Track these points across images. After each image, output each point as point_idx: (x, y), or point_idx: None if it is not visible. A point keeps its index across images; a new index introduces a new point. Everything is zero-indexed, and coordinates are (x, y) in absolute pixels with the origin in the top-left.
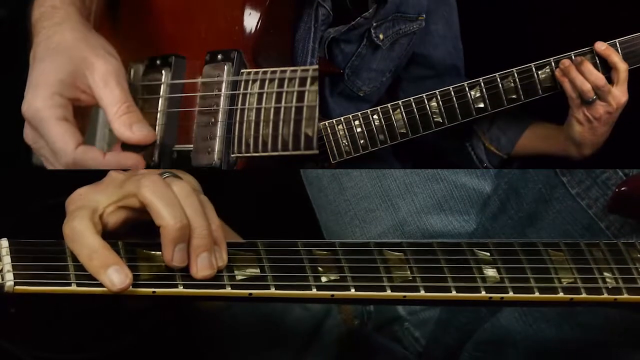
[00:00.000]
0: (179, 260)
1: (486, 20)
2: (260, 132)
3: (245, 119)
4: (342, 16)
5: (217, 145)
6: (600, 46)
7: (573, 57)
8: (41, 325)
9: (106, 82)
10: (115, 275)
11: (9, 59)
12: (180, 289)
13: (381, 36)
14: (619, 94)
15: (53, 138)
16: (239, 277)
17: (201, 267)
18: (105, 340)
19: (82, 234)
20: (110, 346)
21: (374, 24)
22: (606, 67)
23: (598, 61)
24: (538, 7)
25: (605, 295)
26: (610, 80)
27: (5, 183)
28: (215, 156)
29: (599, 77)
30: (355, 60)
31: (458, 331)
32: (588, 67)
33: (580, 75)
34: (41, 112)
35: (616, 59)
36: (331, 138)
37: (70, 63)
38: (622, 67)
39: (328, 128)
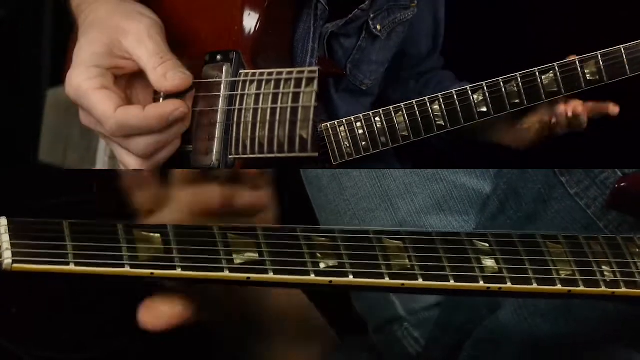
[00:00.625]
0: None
1: (489, 23)
2: (257, 133)
3: (242, 120)
4: (338, 11)
5: (215, 146)
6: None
7: (577, 62)
8: (41, 324)
9: (140, 40)
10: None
11: (9, 59)
12: (179, 271)
13: (379, 27)
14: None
15: (93, 107)
16: (237, 261)
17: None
18: (106, 339)
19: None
20: (111, 345)
21: (371, 15)
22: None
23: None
24: (541, 9)
25: (603, 289)
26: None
27: (6, 183)
28: (214, 157)
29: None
30: (356, 54)
31: (458, 331)
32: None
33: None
34: (80, 87)
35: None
36: (332, 139)
37: (102, 34)
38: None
39: (330, 129)
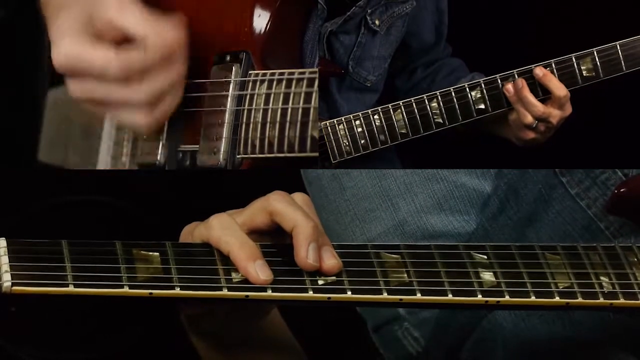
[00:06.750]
0: (313, 257)
1: (486, 21)
2: (267, 133)
3: (252, 120)
4: (335, 9)
5: (222, 145)
6: (539, 72)
7: (574, 58)
8: (41, 325)
9: (121, 7)
10: (261, 269)
11: (8, 59)
12: (177, 291)
13: (377, 22)
14: (561, 112)
15: (91, 59)
16: (235, 280)
17: (327, 258)
18: (105, 339)
19: (234, 225)
20: (110, 345)
21: (369, 11)
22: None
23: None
24: (539, 6)
25: (602, 300)
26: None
27: (6, 183)
28: (221, 157)
29: (538, 109)
30: (357, 51)
31: (458, 331)
32: (528, 98)
33: (522, 106)
34: (71, 51)
35: (554, 85)
36: (332, 138)
37: (82, 7)
38: (561, 93)
39: (329, 128)
